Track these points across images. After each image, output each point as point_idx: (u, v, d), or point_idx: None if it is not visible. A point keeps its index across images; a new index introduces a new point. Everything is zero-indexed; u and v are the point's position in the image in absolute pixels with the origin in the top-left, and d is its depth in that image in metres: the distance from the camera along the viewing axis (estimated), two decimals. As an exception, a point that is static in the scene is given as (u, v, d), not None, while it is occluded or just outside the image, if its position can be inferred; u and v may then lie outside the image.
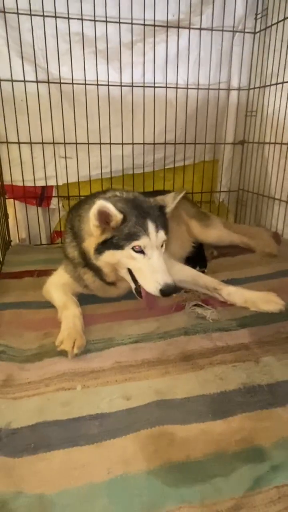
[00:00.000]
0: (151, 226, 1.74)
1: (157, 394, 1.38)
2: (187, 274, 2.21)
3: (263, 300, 1.97)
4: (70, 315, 1.79)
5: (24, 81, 2.77)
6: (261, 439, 1.19)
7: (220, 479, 1.07)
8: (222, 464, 1.11)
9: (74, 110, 2.92)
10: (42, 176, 3.06)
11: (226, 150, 3.49)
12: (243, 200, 3.66)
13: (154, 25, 2.91)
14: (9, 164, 2.95)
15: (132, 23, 2.85)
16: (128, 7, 2.79)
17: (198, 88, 3.18)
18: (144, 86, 3.03)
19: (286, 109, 2.89)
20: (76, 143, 3.02)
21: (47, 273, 2.21)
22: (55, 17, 2.69)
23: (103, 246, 1.77)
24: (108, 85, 2.93)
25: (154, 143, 3.20)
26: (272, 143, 3.10)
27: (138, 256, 1.72)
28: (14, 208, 3.09)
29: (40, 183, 3.08)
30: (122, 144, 3.10)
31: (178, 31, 3.00)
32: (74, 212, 2.12)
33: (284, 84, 2.87)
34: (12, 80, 2.74)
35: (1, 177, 2.95)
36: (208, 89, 3.22)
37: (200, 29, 3.04)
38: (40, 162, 3.01)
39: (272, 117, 3.07)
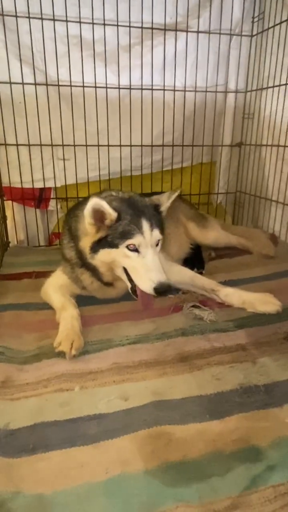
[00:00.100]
0: (145, 225, 1.74)
1: (155, 395, 1.39)
2: (185, 276, 2.22)
3: (260, 301, 1.98)
4: (68, 316, 1.79)
5: (23, 83, 2.78)
6: (257, 439, 1.20)
7: (217, 478, 1.07)
8: (219, 463, 1.12)
9: (72, 112, 2.93)
10: (40, 178, 3.06)
11: (223, 152, 3.51)
12: (240, 202, 3.67)
13: (152, 28, 2.92)
14: (8, 166, 2.96)
15: (130, 26, 2.86)
16: (126, 10, 2.80)
17: (195, 91, 3.19)
18: (142, 89, 3.04)
19: (283, 112, 2.91)
20: (74, 145, 3.02)
21: (45, 274, 2.22)
22: (53, 20, 2.69)
23: (98, 245, 1.78)
24: (106, 87, 2.94)
25: (152, 145, 3.21)
26: (269, 145, 3.12)
27: (133, 254, 1.72)
28: (13, 210, 3.09)
29: (38, 185, 3.09)
30: (120, 146, 3.11)
31: (176, 34, 3.01)
32: (71, 214, 2.14)
33: (281, 87, 2.90)
34: (10, 83, 2.75)
35: (-1, 179, 2.96)
36: (206, 91, 3.23)
37: (198, 32, 3.05)
38: (38, 164, 3.01)
39: (269, 120, 3.09)
